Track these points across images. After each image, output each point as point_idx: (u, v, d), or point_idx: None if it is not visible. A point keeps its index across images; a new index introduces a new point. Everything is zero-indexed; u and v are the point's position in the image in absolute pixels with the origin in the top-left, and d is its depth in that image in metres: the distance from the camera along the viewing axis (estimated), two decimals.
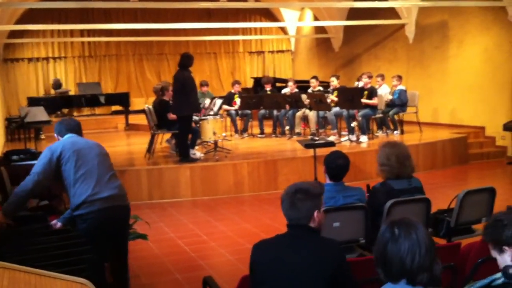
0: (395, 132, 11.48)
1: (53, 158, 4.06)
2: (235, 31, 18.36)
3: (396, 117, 11.49)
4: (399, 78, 11.42)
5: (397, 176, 4.13)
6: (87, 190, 4.01)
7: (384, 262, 2.17)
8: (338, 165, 4.10)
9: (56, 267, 2.98)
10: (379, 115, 11.25)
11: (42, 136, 13.49)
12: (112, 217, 4.11)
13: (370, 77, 11.14)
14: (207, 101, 10.86)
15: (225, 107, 12.11)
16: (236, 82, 12.98)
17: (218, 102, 10.81)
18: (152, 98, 12.55)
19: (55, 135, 4.43)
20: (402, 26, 13.94)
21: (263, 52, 20.58)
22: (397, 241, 2.15)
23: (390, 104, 11.32)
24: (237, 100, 12.28)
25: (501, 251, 2.40)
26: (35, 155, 7.37)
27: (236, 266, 5.51)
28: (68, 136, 4.32)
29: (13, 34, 16.11)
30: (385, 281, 2.20)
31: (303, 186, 2.91)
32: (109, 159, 4.36)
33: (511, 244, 2.36)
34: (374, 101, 10.77)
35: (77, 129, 4.40)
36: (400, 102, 11.20)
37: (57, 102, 15.37)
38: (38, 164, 4.07)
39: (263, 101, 11.87)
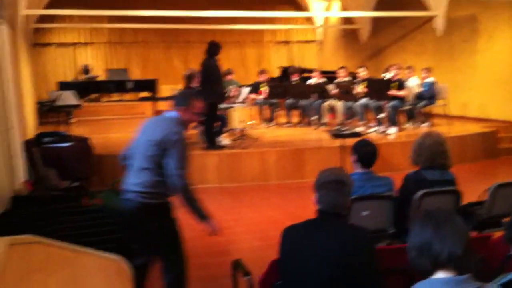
0: (424, 124, 11.37)
1: None
2: (261, 20, 18.30)
3: (425, 109, 11.38)
4: (429, 70, 11.29)
5: (431, 166, 4.11)
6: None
7: (427, 251, 2.13)
8: (368, 151, 4.13)
9: (88, 244, 3.05)
10: (407, 107, 11.16)
11: (72, 120, 13.68)
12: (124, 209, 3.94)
13: (399, 68, 11.05)
14: (232, 88, 10.86)
15: (252, 96, 12.13)
16: (262, 71, 12.99)
17: (245, 90, 10.83)
18: (180, 85, 12.61)
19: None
20: (430, 18, 13.75)
21: (289, 42, 20.51)
22: (440, 230, 2.12)
23: (419, 96, 11.21)
24: (263, 89, 12.29)
25: None
26: (66, 138, 7.50)
27: (264, 252, 5.55)
28: None
29: (43, 19, 16.30)
30: (429, 269, 2.16)
31: (342, 175, 2.96)
32: (155, 148, 3.86)
33: None
34: (402, 92, 10.69)
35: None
36: (429, 95, 11.09)
37: (86, 87, 15.57)
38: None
39: (290, 90, 11.86)
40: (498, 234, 3.70)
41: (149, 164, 3.79)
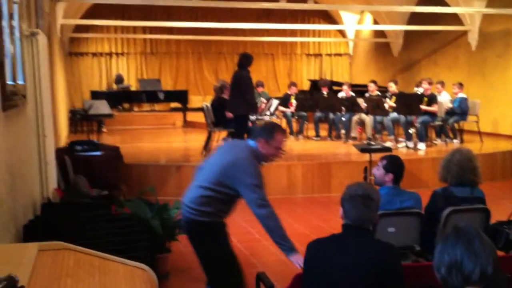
0: (455, 140, 11.23)
1: None
2: (293, 33, 18.38)
3: (456, 125, 11.25)
4: (460, 85, 11.17)
5: (460, 183, 4.08)
6: None
7: (458, 269, 2.10)
8: (401, 165, 4.15)
9: (117, 252, 3.10)
10: (438, 123, 11.04)
11: (104, 129, 13.92)
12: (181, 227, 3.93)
13: (430, 83, 10.95)
14: (262, 100, 10.94)
15: (281, 108, 12.16)
16: (292, 84, 13.01)
17: (275, 102, 10.88)
18: (210, 96, 12.74)
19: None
20: (464, 32, 13.62)
21: (320, 54, 20.51)
22: (471, 247, 2.10)
23: (449, 112, 11.09)
24: (293, 102, 12.31)
25: None
26: (97, 147, 7.64)
27: (288, 265, 5.51)
28: None
29: (79, 28, 16.68)
30: (460, 287, 2.13)
31: (369, 190, 2.96)
32: (219, 169, 3.70)
33: None
34: (433, 108, 10.59)
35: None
36: (460, 111, 10.96)
37: (118, 96, 15.85)
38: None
39: (319, 103, 11.86)
40: None
41: (208, 183, 3.67)
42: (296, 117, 12.50)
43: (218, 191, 3.64)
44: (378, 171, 4.18)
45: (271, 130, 3.74)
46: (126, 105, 17.15)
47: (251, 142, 3.75)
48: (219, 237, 3.77)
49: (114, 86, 17.17)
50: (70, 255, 2.68)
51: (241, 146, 3.82)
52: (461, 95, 11.09)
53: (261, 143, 3.70)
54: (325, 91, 12.62)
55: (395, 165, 4.16)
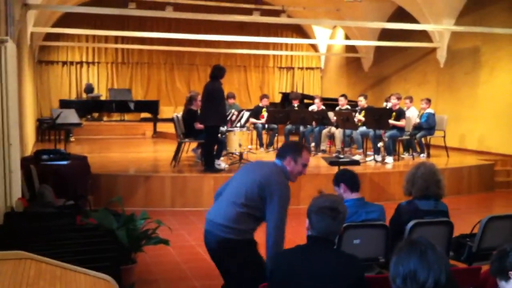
0: (422, 155, 11.41)
1: None
2: (266, 46, 18.51)
3: (423, 140, 11.43)
4: (428, 101, 11.37)
5: (424, 196, 4.14)
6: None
7: (413, 279, 2.16)
8: (351, 173, 4.24)
9: (80, 263, 3.06)
10: (406, 137, 11.21)
11: (72, 139, 13.75)
12: (206, 242, 3.80)
13: (399, 98, 11.14)
14: (234, 112, 10.96)
15: (252, 120, 12.20)
16: (264, 96, 13.07)
17: (246, 114, 10.90)
18: (181, 107, 12.72)
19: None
20: (433, 49, 13.91)
21: (292, 68, 20.69)
22: (424, 258, 2.16)
23: (417, 127, 11.28)
24: (265, 114, 12.36)
25: (508, 278, 2.40)
26: (64, 156, 7.54)
27: None
28: None
29: (50, 37, 16.50)
30: None
31: (337, 202, 3.01)
32: (255, 184, 3.67)
33: None
34: (401, 122, 10.75)
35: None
36: (427, 126, 11.15)
37: (88, 105, 15.70)
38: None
39: (290, 116, 11.93)
40: (488, 267, 3.71)
41: (243, 198, 3.62)
42: (267, 129, 12.55)
43: (252, 206, 3.64)
44: (337, 191, 4.24)
45: (298, 148, 3.82)
46: (96, 115, 16.99)
47: (278, 162, 3.79)
48: (255, 254, 3.77)
49: (84, 95, 17.01)
50: (31, 264, 2.64)
51: (271, 164, 3.84)
52: (429, 110, 11.29)
53: (288, 161, 3.75)
54: (296, 104, 12.70)
55: (340, 175, 4.28)
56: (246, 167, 4.04)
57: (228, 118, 10.47)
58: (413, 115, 11.42)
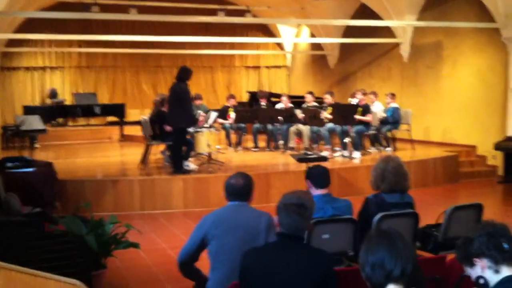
0: (388, 148, 11.58)
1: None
2: (232, 46, 18.51)
3: (389, 134, 11.60)
4: (393, 96, 11.55)
5: (388, 189, 4.22)
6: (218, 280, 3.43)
7: (380, 267, 2.23)
8: (318, 170, 4.26)
9: (50, 270, 3.04)
10: (372, 132, 11.36)
11: (37, 145, 13.52)
12: None
13: (364, 94, 11.30)
14: (200, 113, 10.94)
15: (220, 120, 12.20)
16: (231, 96, 13.09)
17: (213, 115, 10.90)
18: (147, 110, 12.63)
19: None
20: (397, 45, 14.12)
21: (259, 67, 20.74)
22: (392, 248, 2.23)
23: (383, 121, 11.44)
24: (232, 114, 12.38)
25: (472, 264, 2.47)
26: (30, 163, 7.44)
27: None
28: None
29: (12, 43, 16.21)
30: (382, 283, 2.25)
31: (304, 198, 3.04)
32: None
33: (480, 255, 2.43)
34: (368, 118, 10.90)
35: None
36: (393, 120, 11.33)
37: (52, 111, 15.46)
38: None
39: (258, 115, 11.97)
40: (453, 255, 3.80)
41: None
42: (235, 129, 12.57)
43: None
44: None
45: None
46: (61, 120, 16.74)
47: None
48: None
49: (48, 101, 16.75)
50: (0, 273, 2.62)
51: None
52: (394, 104, 11.47)
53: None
54: (263, 103, 12.75)
55: (308, 171, 4.37)
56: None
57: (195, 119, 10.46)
58: (378, 110, 11.58)
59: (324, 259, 2.94)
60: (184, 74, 9.06)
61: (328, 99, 11.69)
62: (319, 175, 4.26)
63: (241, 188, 3.62)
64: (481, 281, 2.42)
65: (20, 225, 4.67)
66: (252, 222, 3.51)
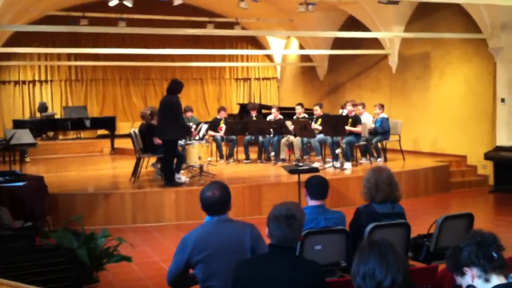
0: (379, 159, 11.63)
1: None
2: (221, 58, 18.56)
3: (379, 144, 11.66)
4: (381, 106, 11.63)
5: (382, 200, 4.24)
6: None
7: (371, 278, 2.25)
8: (317, 181, 4.25)
9: (42, 284, 3.03)
10: (362, 143, 11.42)
11: (27, 159, 13.44)
12: None
13: (354, 105, 11.36)
14: (193, 126, 10.96)
15: (211, 132, 12.21)
16: (221, 109, 13.10)
17: (204, 127, 10.92)
18: (138, 123, 12.60)
19: None
20: (385, 56, 14.24)
21: (249, 79, 20.78)
22: (383, 259, 2.25)
23: (372, 132, 11.51)
24: (223, 126, 12.39)
25: (462, 273, 2.49)
26: (20, 177, 7.39)
27: None
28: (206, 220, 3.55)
29: (0, 56, 16.15)
30: None
31: (293, 210, 3.04)
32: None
33: (469, 264, 2.45)
34: (358, 128, 10.95)
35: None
36: (382, 130, 11.39)
37: (42, 125, 15.38)
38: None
39: (248, 127, 11.99)
40: (445, 265, 3.82)
41: None
42: (226, 141, 12.58)
43: None
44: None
45: None
46: (51, 134, 16.66)
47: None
48: None
49: (38, 115, 16.67)
50: None
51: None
52: (383, 115, 11.54)
53: None
54: (254, 114, 12.78)
55: (307, 180, 4.36)
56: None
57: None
58: (367, 120, 11.65)
59: (314, 269, 2.96)
60: (175, 87, 9.09)
61: (317, 111, 11.73)
62: (317, 187, 4.26)
63: (217, 200, 3.45)
64: None
65: (11, 239, 4.64)
66: (236, 237, 3.39)
